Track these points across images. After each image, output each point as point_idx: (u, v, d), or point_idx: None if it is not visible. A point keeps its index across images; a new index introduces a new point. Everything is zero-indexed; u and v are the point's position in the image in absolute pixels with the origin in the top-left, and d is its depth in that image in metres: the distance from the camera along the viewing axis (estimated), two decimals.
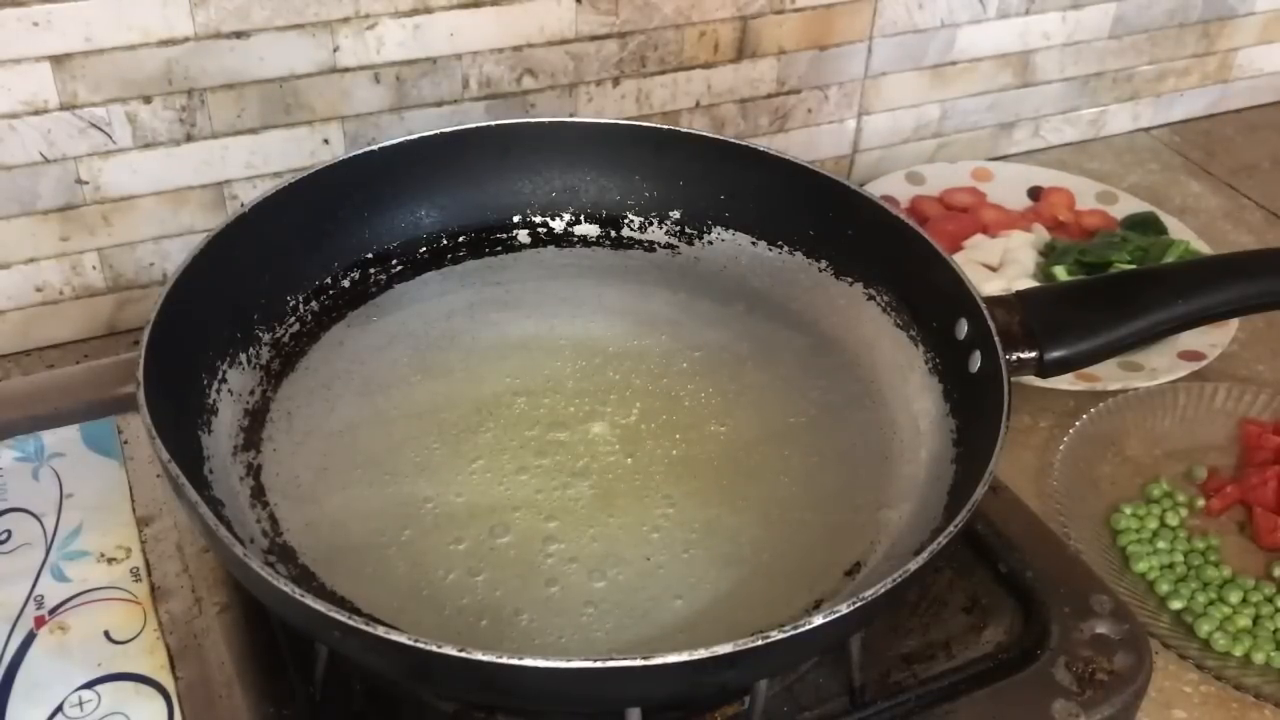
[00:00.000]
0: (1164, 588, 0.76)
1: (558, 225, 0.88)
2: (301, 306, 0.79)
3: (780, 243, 0.85)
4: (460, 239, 0.86)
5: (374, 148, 0.81)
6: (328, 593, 0.63)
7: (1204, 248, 1.05)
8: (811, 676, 0.65)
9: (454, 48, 0.92)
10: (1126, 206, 1.12)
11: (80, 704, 0.62)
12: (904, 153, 1.18)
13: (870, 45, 1.09)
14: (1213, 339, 0.95)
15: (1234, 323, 0.97)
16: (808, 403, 0.75)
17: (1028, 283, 0.99)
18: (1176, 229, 1.08)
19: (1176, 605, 0.75)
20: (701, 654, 0.50)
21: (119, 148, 0.86)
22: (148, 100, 0.85)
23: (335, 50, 0.88)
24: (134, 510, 0.73)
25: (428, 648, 0.51)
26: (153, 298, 0.67)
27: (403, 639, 0.51)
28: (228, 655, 0.64)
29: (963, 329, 0.71)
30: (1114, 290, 0.73)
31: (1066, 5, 1.16)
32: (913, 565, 0.55)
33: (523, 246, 0.87)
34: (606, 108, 1.01)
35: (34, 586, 0.68)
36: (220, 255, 0.72)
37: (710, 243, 0.86)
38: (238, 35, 0.85)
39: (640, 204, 0.87)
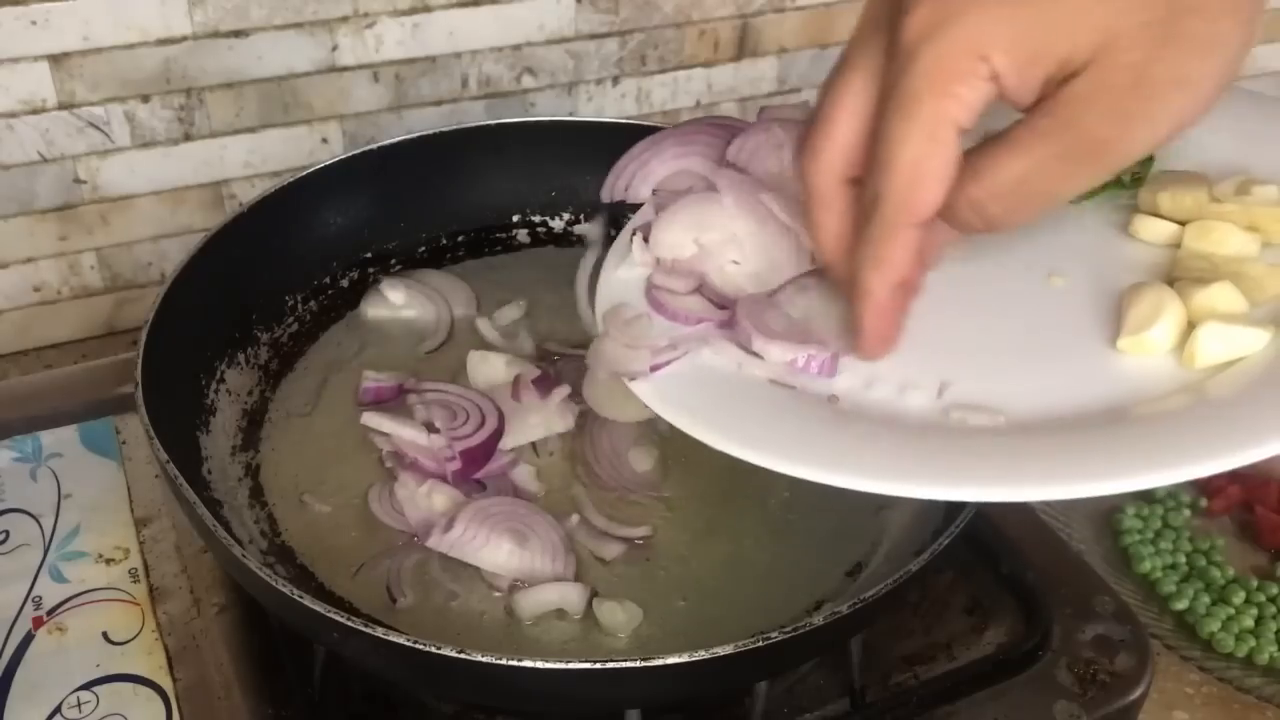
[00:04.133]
0: (1167, 588, 0.76)
1: (557, 225, 0.87)
2: (300, 306, 0.79)
3: None
4: (459, 238, 0.86)
5: (373, 147, 0.81)
6: (326, 593, 0.62)
7: None
8: (812, 678, 0.65)
9: (453, 46, 0.92)
10: None
11: (79, 705, 0.61)
12: None
13: None
14: None
15: None
16: None
17: None
18: None
19: (1179, 606, 0.75)
20: (702, 655, 0.50)
21: (117, 147, 0.86)
22: (146, 99, 0.85)
23: (334, 49, 0.88)
24: (132, 511, 0.73)
25: (427, 649, 0.50)
26: (151, 297, 0.67)
27: (402, 640, 0.51)
28: (226, 656, 0.64)
29: None
30: None
31: None
32: (914, 566, 0.54)
33: (522, 246, 0.87)
34: (606, 107, 1.01)
35: (32, 587, 0.67)
36: (218, 255, 0.72)
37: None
38: (236, 34, 0.85)
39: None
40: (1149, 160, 0.62)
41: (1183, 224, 0.57)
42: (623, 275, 0.60)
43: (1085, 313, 0.55)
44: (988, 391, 0.51)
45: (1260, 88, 1.36)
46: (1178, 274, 0.55)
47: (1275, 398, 0.47)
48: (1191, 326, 0.51)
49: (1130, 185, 0.61)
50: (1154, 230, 0.58)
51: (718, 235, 0.59)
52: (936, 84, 0.44)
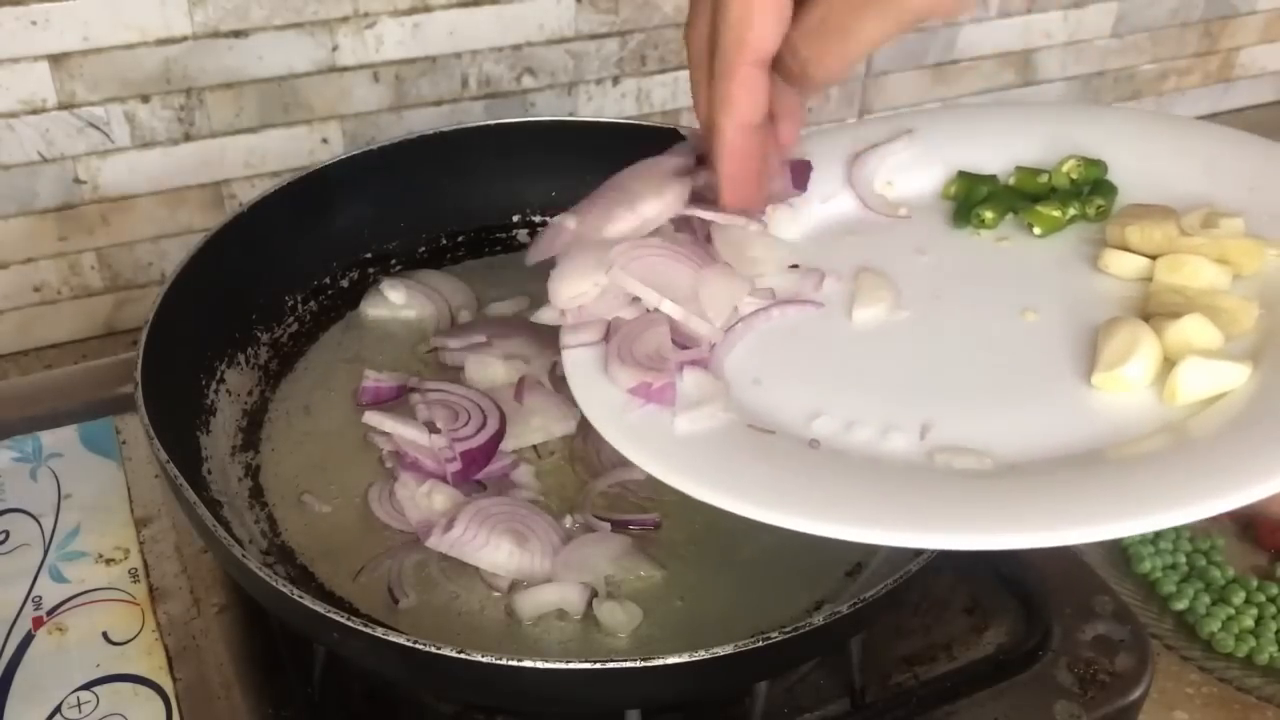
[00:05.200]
0: (1167, 588, 0.76)
1: None
2: (300, 306, 0.79)
3: None
4: (459, 239, 0.86)
5: (373, 147, 0.81)
6: (327, 593, 0.62)
7: None
8: (812, 678, 0.65)
9: (453, 46, 0.92)
10: None
11: (79, 705, 0.61)
12: None
13: None
14: None
15: None
16: None
17: None
18: None
19: (1179, 606, 0.75)
20: (702, 655, 0.50)
21: (117, 147, 0.86)
22: (146, 99, 0.85)
23: (334, 49, 0.88)
24: (132, 511, 0.73)
25: (427, 649, 0.50)
26: (151, 298, 0.67)
27: (402, 640, 0.51)
28: (226, 656, 0.64)
29: None
30: None
31: (1068, 4, 1.16)
32: (913, 566, 0.54)
33: (522, 246, 0.87)
34: (606, 107, 1.01)
35: (32, 587, 0.67)
36: (218, 255, 0.72)
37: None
38: (236, 34, 0.85)
39: None
40: (1113, 192, 0.62)
41: (1152, 258, 0.57)
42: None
43: (1061, 349, 0.54)
44: (970, 432, 0.51)
45: (1261, 88, 1.36)
46: (1152, 309, 0.54)
47: (1259, 439, 0.46)
48: (1168, 361, 0.51)
49: (1095, 218, 0.62)
50: (1124, 265, 0.58)
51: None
52: None
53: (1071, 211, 0.62)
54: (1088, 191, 0.63)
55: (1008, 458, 0.49)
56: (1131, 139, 0.65)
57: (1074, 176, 0.63)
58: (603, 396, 0.55)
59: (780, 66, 0.52)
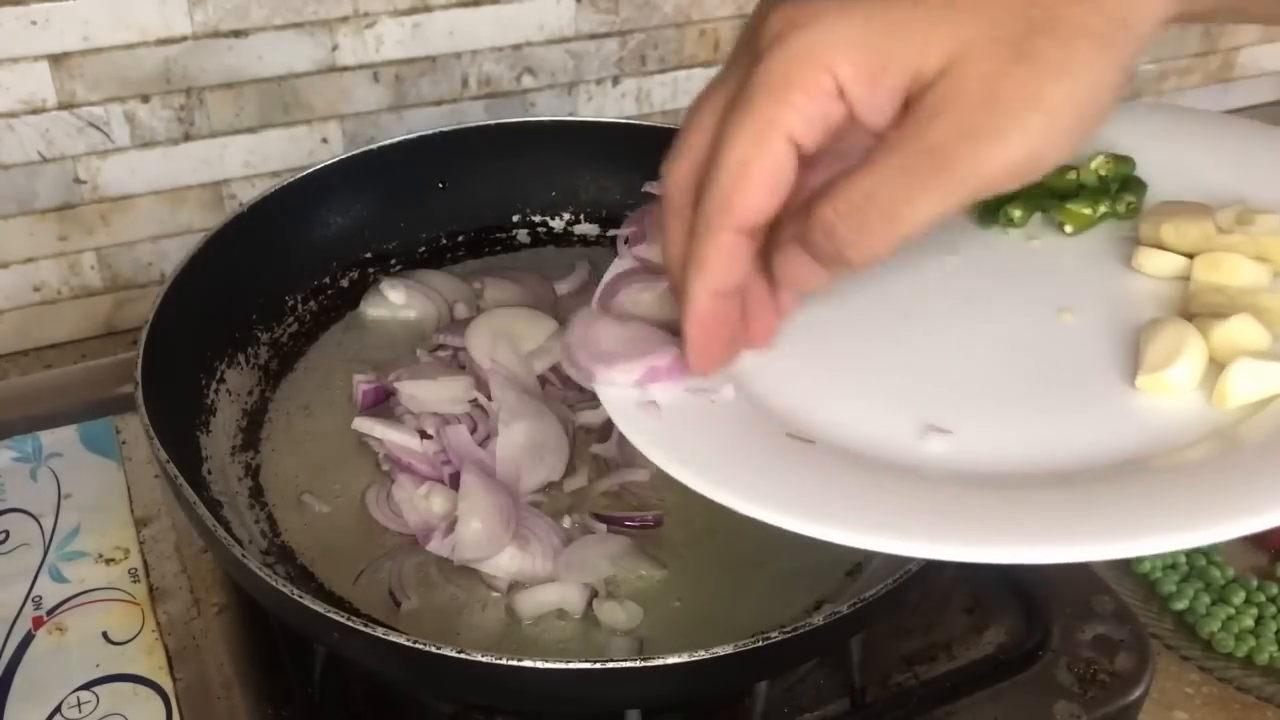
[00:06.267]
0: (1167, 588, 0.76)
1: (557, 225, 0.88)
2: (300, 306, 0.79)
3: None
4: (459, 239, 0.86)
5: (373, 147, 0.81)
6: (326, 593, 0.62)
7: None
8: (812, 677, 0.65)
9: (453, 46, 0.92)
10: None
11: (79, 705, 0.61)
12: None
13: None
14: None
15: None
16: None
17: None
18: None
19: (1179, 606, 0.75)
20: (701, 655, 0.50)
21: (117, 147, 0.86)
22: (146, 99, 0.85)
23: (334, 49, 0.88)
24: (132, 511, 0.73)
25: (427, 649, 0.50)
26: (151, 297, 0.67)
27: (401, 640, 0.51)
28: (226, 656, 0.64)
29: None
30: None
31: None
32: (914, 566, 0.54)
33: (522, 246, 0.87)
34: (606, 107, 1.01)
35: (32, 587, 0.67)
36: (218, 255, 0.72)
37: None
38: (236, 34, 0.85)
39: (640, 203, 0.87)
40: (1142, 189, 0.61)
41: (1188, 256, 0.56)
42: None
43: (1102, 351, 0.53)
44: (1013, 439, 0.49)
45: (1261, 88, 1.36)
46: (1193, 308, 0.53)
47: None
48: (1214, 364, 0.49)
49: (1126, 215, 0.61)
50: (1159, 263, 0.56)
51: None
52: (774, 89, 0.43)
53: (1102, 209, 0.61)
54: (1117, 188, 0.62)
55: (1053, 466, 0.47)
56: (1158, 134, 0.64)
57: (1103, 173, 0.62)
58: (626, 401, 0.53)
59: (809, 243, 0.45)
